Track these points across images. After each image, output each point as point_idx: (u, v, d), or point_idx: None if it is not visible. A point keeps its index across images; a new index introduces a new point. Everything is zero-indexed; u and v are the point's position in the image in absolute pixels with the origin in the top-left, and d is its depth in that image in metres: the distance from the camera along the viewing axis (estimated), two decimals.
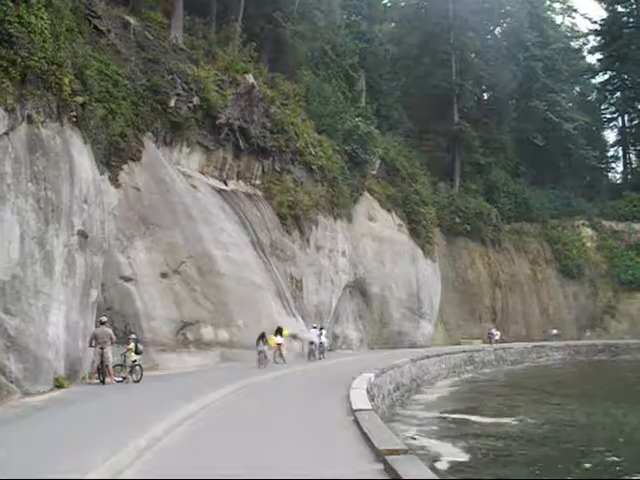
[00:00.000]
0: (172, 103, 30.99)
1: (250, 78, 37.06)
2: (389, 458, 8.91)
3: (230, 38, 41.80)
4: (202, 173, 33.79)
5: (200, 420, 13.38)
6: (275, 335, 31.04)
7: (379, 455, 9.38)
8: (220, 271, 30.33)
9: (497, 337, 55.76)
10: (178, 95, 31.51)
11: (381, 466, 8.91)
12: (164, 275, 27.78)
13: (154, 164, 29.21)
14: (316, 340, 34.51)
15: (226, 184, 35.34)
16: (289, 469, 8.96)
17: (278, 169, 39.07)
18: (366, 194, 49.18)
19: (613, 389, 38.96)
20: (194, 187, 31.87)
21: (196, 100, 32.69)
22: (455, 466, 17.18)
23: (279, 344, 31.35)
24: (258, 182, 37.61)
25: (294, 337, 34.54)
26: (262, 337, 28.84)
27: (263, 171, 38.11)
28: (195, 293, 28.80)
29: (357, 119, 49.70)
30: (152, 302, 26.60)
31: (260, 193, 37.27)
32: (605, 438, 22.13)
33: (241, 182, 36.56)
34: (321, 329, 35.96)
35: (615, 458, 18.80)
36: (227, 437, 11.57)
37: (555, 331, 66.60)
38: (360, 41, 61.76)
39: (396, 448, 9.64)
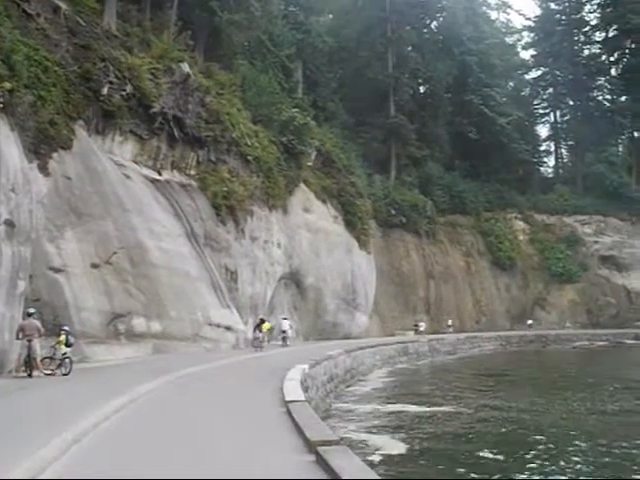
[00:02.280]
0: (105, 91, 30.34)
1: (185, 67, 36.54)
2: (321, 449, 8.78)
3: (165, 26, 41.15)
4: (135, 162, 33.19)
5: (128, 414, 13.09)
6: (259, 324, 35.63)
7: (311, 446, 9.26)
8: (153, 262, 29.91)
9: (422, 328, 56.48)
10: (111, 83, 30.86)
11: (313, 457, 8.80)
12: (95, 266, 27.22)
13: (86, 153, 28.58)
14: (287, 329, 39.80)
15: (160, 174, 34.79)
16: (217, 463, 8.80)
17: (213, 159, 38.65)
18: (302, 185, 49.05)
19: (543, 378, 39.68)
20: (127, 177, 31.31)
21: (129, 88, 32.07)
22: (388, 457, 17.18)
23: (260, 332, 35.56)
24: (193, 172, 37.15)
25: (228, 329, 34.32)
26: (259, 325, 35.23)
27: (198, 161, 37.65)
28: (127, 284, 28.32)
29: (293, 110, 49.49)
30: (82, 293, 26.05)
31: (195, 183, 36.82)
32: (538, 425, 22.43)
33: (175, 172, 36.07)
34: (288, 320, 41.12)
35: (545, 443, 19.05)
36: (154, 432, 11.33)
37: (530, 322, 69.91)
38: (297, 32, 61.56)
39: (328, 439, 9.53)
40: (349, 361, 34.90)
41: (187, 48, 40.71)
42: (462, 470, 16.41)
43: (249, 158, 41.30)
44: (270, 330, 38.79)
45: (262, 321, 36.38)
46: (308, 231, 48.14)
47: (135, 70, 32.78)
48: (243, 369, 24.25)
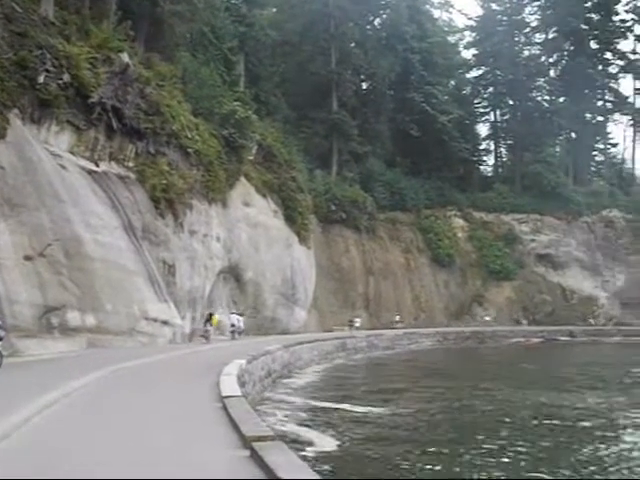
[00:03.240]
0: (41, 79, 29.65)
1: (125, 57, 36.00)
2: (256, 445, 8.75)
3: (104, 15, 40.41)
4: (72, 153, 32.53)
5: (61, 409, 12.81)
6: (208, 318, 38.38)
7: (246, 442, 9.19)
8: (89, 254, 29.39)
9: (357, 324, 56.76)
10: (47, 71, 30.15)
11: (247, 452, 8.73)
12: (28, 258, 26.58)
13: (20, 142, 27.90)
14: (237, 323, 41.37)
15: (97, 165, 34.17)
16: (150, 459, 8.63)
17: (152, 151, 38.10)
18: (242, 179, 48.75)
19: (477, 374, 40.09)
20: (63, 167, 30.70)
21: (67, 77, 31.38)
22: (322, 453, 17.14)
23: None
24: (131, 164, 36.58)
25: (165, 323, 33.97)
26: (208, 320, 37.95)
27: (137, 153, 37.07)
28: (61, 277, 27.74)
29: (235, 103, 49.16)
30: (14, 286, 25.41)
31: (133, 175, 36.27)
32: (473, 421, 22.64)
33: (113, 164, 35.48)
34: (240, 315, 42.71)
35: (480, 440, 19.20)
36: (87, 428, 11.08)
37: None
38: (240, 25, 61.17)
39: (263, 435, 9.51)
40: (287, 356, 34.86)
41: (127, 38, 39.98)
42: (396, 467, 16.43)
43: (189, 151, 40.85)
44: (218, 324, 40.37)
45: (211, 315, 38.70)
46: (248, 225, 47.90)
47: (73, 59, 32.08)
48: (180, 364, 23.98)
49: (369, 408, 24.71)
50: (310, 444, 18.02)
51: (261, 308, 48.51)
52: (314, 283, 56.41)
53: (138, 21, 43.72)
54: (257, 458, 8.26)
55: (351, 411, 24.05)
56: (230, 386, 15.56)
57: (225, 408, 12.46)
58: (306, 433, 19.53)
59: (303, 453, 16.43)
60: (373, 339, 54.40)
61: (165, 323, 34.12)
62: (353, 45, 75.87)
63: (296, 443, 17.64)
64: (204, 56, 53.73)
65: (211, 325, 38.16)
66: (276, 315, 50.01)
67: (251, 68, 63.43)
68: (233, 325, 41.59)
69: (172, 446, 9.45)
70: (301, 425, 20.87)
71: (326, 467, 15.84)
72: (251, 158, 51.23)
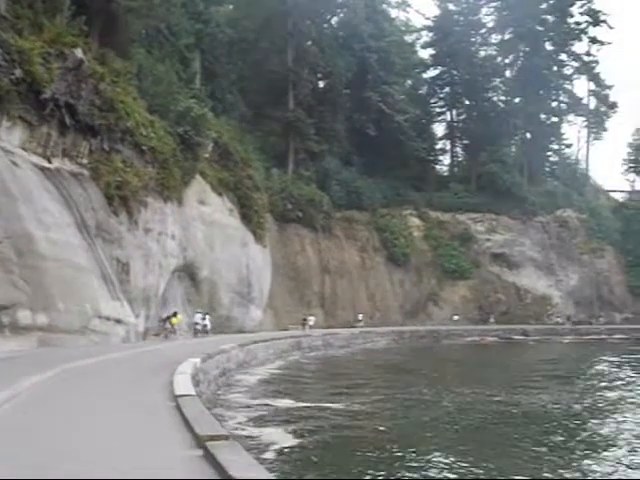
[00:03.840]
0: None
1: (79, 53, 35.49)
2: (209, 444, 8.68)
3: (58, 9, 39.72)
4: (24, 150, 32.03)
5: (9, 409, 12.56)
6: (172, 317, 40.62)
7: (199, 441, 9.11)
8: (41, 252, 28.94)
9: (311, 323, 56.84)
10: None
11: (200, 452, 8.64)
12: None
13: None
14: (201, 322, 43.65)
15: (50, 162, 33.68)
16: (100, 459, 8.47)
17: (107, 148, 37.66)
18: (198, 177, 48.43)
19: (432, 373, 40.35)
20: (15, 164, 30.20)
21: (19, 72, 30.85)
22: (276, 452, 17.09)
23: (172, 325, 40.64)
24: (85, 161, 36.12)
25: (118, 322, 33.62)
26: (168, 318, 40.12)
27: (90, 150, 36.61)
28: (12, 275, 27.26)
29: (191, 101, 48.85)
30: None
31: (87, 173, 35.82)
32: (429, 418, 22.72)
33: (67, 160, 35.00)
34: (205, 314, 44.49)
35: (430, 437, 19.26)
36: (37, 429, 10.86)
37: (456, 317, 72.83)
38: (196, 22, 60.69)
39: (217, 434, 9.45)
40: (242, 355, 34.74)
41: (81, 33, 39.36)
42: (351, 464, 16.43)
43: (144, 148, 40.45)
44: (179, 323, 41.77)
45: (175, 314, 40.99)
46: (203, 224, 47.61)
47: (25, 54, 31.56)
48: (133, 363, 23.72)
49: (325, 406, 24.70)
50: (266, 443, 17.95)
51: (216, 307, 48.25)
52: (270, 282, 56.35)
53: (92, 16, 43.08)
54: (210, 457, 8.20)
55: (307, 409, 24.01)
56: (184, 385, 15.45)
57: (178, 407, 12.35)
58: (262, 432, 19.45)
59: (258, 452, 16.35)
60: (329, 338, 54.46)
61: (118, 322, 33.77)
62: (310, 43, 75.72)
63: (251, 442, 17.58)
64: (160, 53, 53.24)
65: (172, 325, 39.97)
66: (231, 314, 49.82)
67: (207, 65, 62.97)
68: (197, 324, 43.69)
69: (123, 446, 9.30)
70: (256, 424, 20.77)
71: (281, 466, 15.80)
72: (207, 156, 50.89)
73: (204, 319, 44.42)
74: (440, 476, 15.55)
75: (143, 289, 38.45)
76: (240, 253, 51.39)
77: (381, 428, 21.01)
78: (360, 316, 67.92)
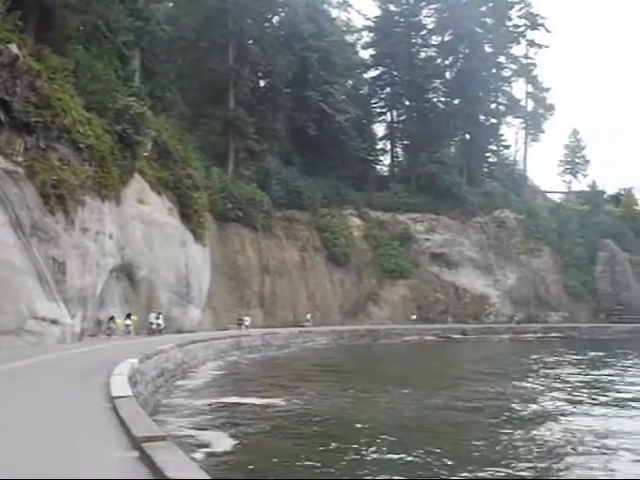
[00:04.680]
0: None
1: (14, 48, 34.79)
2: (145, 445, 8.62)
3: None
4: None
5: None
6: (125, 319, 42.76)
7: (136, 443, 9.04)
8: None
9: (247, 323, 56.78)
10: None
11: (137, 453, 8.57)
12: None
13: None
14: (155, 321, 45.66)
15: None
16: (34, 462, 8.32)
17: (43, 146, 36.93)
18: (137, 176, 47.82)
19: (371, 371, 40.69)
20: None
21: None
22: (215, 453, 17.03)
23: (127, 325, 42.75)
24: (20, 159, 35.35)
25: (54, 322, 33.07)
26: (112, 318, 41.20)
27: (26, 148, 35.84)
28: None
29: (130, 99, 48.17)
30: None
31: (22, 171, 35.06)
32: (367, 416, 22.80)
33: (1, 158, 34.22)
34: (159, 314, 46.42)
35: (365, 437, 19.33)
36: None
37: (414, 317, 74.86)
38: (136, 19, 59.94)
39: (154, 435, 9.40)
40: (181, 355, 34.44)
41: (16, 29, 38.52)
42: (290, 465, 16.40)
43: (81, 146, 39.74)
44: (121, 323, 42.68)
45: (129, 315, 43.25)
46: (142, 223, 47.04)
47: None
48: (69, 364, 23.37)
49: (264, 404, 24.66)
50: (204, 444, 17.87)
51: (155, 307, 47.75)
52: (209, 281, 56.00)
53: (28, 11, 42.25)
54: (146, 459, 8.17)
55: (246, 409, 23.94)
56: (120, 386, 15.35)
57: (115, 409, 12.25)
58: (201, 433, 19.35)
59: (196, 453, 16.26)
60: (268, 338, 54.40)
61: (54, 322, 33.21)
62: (251, 42, 75.48)
63: (189, 443, 17.46)
64: (98, 50, 52.42)
65: (114, 324, 41.30)
66: (170, 314, 49.34)
67: (147, 63, 62.22)
68: (152, 323, 45.71)
69: (55, 449, 9.18)
70: (195, 424, 20.65)
71: (219, 466, 15.73)
72: (146, 155, 50.31)
73: (158, 318, 46.24)
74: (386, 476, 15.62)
75: (80, 289, 37.82)
76: (179, 252, 50.97)
77: (316, 429, 21.05)
78: (308, 315, 68.23)
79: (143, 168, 49.17)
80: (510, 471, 16.04)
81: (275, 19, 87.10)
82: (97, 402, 13.64)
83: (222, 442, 18.28)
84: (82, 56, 48.20)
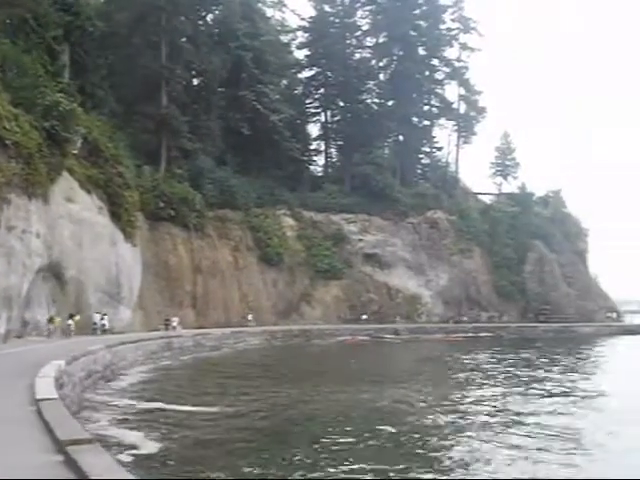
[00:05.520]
0: None
1: None
2: (70, 449, 8.39)
3: None
4: None
5: None
6: (68, 319, 42.39)
7: (61, 446, 8.75)
8: None
9: (175, 324, 56.20)
10: None
11: (61, 457, 8.29)
12: None
13: None
14: (98, 322, 46.38)
15: None
16: None
17: None
18: (65, 174, 46.83)
19: (306, 372, 40.64)
20: None
21: None
22: (143, 456, 16.83)
23: (69, 325, 42.28)
24: None
25: None
26: (51, 319, 41.08)
27: None
28: None
29: (59, 95, 47.19)
30: None
31: None
32: (300, 419, 22.70)
33: None
34: (104, 314, 47.35)
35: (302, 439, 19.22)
36: None
37: (364, 316, 75.91)
38: (65, 14, 58.80)
39: (79, 438, 9.16)
40: (109, 356, 33.90)
41: None
42: (216, 468, 16.22)
43: (7, 143, 38.75)
44: (60, 322, 42.22)
45: (71, 316, 42.80)
46: (71, 222, 46.07)
47: None
48: None
49: (194, 408, 24.38)
50: (132, 447, 17.65)
51: (84, 307, 46.85)
52: (140, 281, 55.29)
53: None
54: (71, 462, 7.94)
55: (176, 412, 23.66)
56: (46, 388, 15.09)
57: (39, 412, 11.93)
58: (128, 436, 19.08)
59: (123, 456, 15.96)
60: (200, 338, 53.98)
61: None
62: (184, 40, 74.77)
63: (116, 446, 17.19)
64: (25, 44, 51.27)
65: (53, 324, 41.08)
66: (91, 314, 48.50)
67: (77, 59, 61.02)
68: (95, 324, 46.26)
69: None
70: (124, 428, 20.34)
71: (146, 469, 15.47)
72: (75, 152, 49.33)
73: (103, 319, 47.01)
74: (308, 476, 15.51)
75: (5, 289, 36.86)
76: (109, 252, 50.15)
77: (248, 431, 20.88)
78: (250, 316, 68.10)
79: (72, 166, 48.20)
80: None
81: (209, 17, 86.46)
82: (20, 405, 13.29)
83: (148, 444, 18.17)
84: (9, 50, 47.08)
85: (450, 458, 17.73)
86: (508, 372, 40.60)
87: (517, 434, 20.74)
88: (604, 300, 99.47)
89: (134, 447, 17.51)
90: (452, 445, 19.36)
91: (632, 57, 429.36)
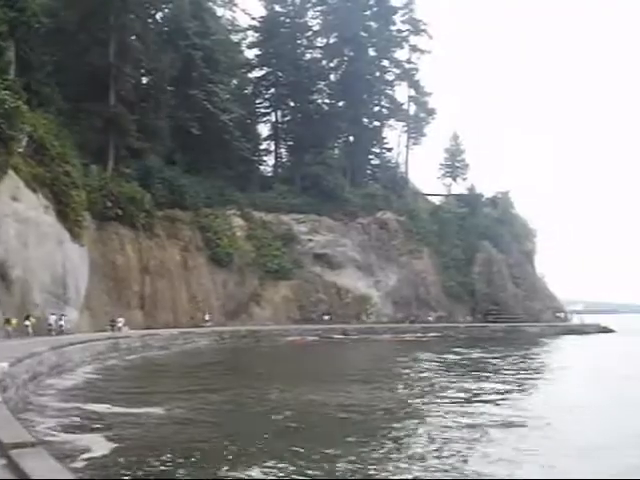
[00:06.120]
0: None
1: None
2: (13, 452, 8.20)
3: None
4: None
5: None
6: (25, 319, 42.64)
7: (3, 449, 8.58)
8: None
9: (120, 324, 55.66)
10: None
11: (4, 461, 8.12)
12: None
13: None
14: (54, 323, 46.30)
15: None
16: None
17: None
18: (11, 172, 46.07)
19: (255, 372, 40.59)
20: None
21: None
22: (89, 458, 16.60)
23: (26, 325, 42.58)
24: None
25: None
26: (7, 320, 40.47)
27: None
28: None
29: (4, 92, 46.44)
30: None
31: None
32: (250, 419, 22.58)
33: None
34: (62, 315, 47.73)
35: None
36: None
37: (326, 317, 76.68)
38: (10, 10, 57.81)
39: (22, 441, 8.98)
40: (55, 358, 33.37)
41: None
42: (165, 469, 16.08)
43: None
44: (18, 324, 42.05)
45: (27, 316, 43.06)
46: (16, 221, 45.30)
47: None
48: None
49: (142, 410, 24.13)
50: (77, 449, 17.42)
51: (30, 308, 46.08)
52: (87, 282, 54.61)
53: None
54: (13, 466, 7.81)
55: (122, 413, 23.37)
56: None
57: None
58: (73, 438, 18.82)
59: (67, 458, 15.69)
60: (148, 339, 53.52)
61: None
62: (134, 38, 73.99)
63: (61, 449, 16.93)
64: None
65: (10, 325, 40.67)
66: (46, 315, 47.82)
67: (22, 56, 60.02)
68: (50, 325, 46.04)
69: None
70: (68, 430, 20.07)
71: (90, 472, 15.28)
72: (21, 151, 48.62)
73: (60, 320, 47.05)
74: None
75: None
76: (55, 252, 49.46)
77: (198, 432, 20.74)
78: (207, 316, 68.18)
79: (17, 164, 47.48)
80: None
81: (159, 15, 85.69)
82: None
83: (96, 447, 17.91)
84: None
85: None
86: (457, 370, 41.01)
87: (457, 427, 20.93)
88: (551, 300, 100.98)
89: (78, 449, 17.27)
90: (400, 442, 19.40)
91: (582, 57, 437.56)
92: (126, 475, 15.55)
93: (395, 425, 22.20)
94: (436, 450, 18.38)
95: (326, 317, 78.26)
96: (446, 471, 16.24)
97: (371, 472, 16.10)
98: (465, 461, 17.15)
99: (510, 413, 24.28)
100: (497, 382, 34.81)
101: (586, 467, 16.81)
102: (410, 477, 15.81)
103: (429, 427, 21.77)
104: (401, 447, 18.87)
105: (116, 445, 18.15)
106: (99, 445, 18.10)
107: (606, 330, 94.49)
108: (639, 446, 19.14)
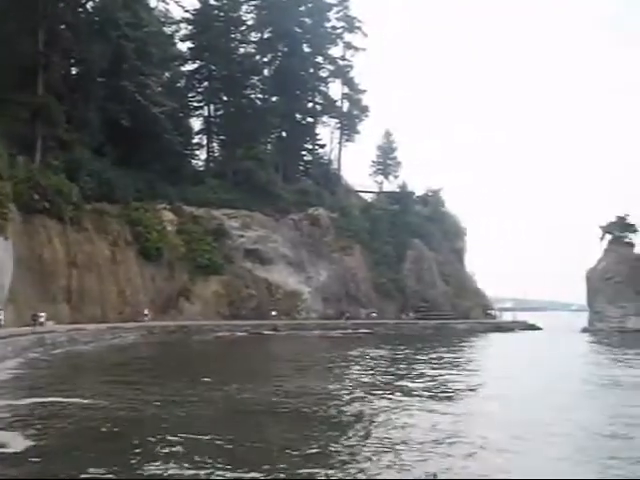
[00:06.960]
0: None
1: None
2: None
3: None
4: None
5: None
6: None
7: None
8: None
9: (42, 319, 54.48)
10: None
11: None
12: None
13: None
14: None
15: None
16: None
17: None
18: None
19: (184, 367, 40.34)
20: None
21: None
22: (11, 455, 16.18)
23: None
24: None
25: None
26: None
27: None
28: None
29: None
30: None
31: None
32: (176, 414, 22.36)
33: None
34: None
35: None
36: None
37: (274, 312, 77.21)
38: None
39: None
40: None
41: None
42: (88, 466, 15.74)
43: None
44: None
45: None
46: None
47: None
48: None
49: (67, 402, 23.77)
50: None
51: None
52: (11, 275, 53.32)
53: None
54: None
55: (47, 407, 22.97)
56: None
57: None
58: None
59: None
60: (74, 334, 52.69)
61: None
62: (63, 27, 72.50)
63: None
64: None
65: None
66: None
67: None
68: None
69: None
70: None
71: (10, 470, 14.94)
72: None
73: None
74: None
75: None
76: None
77: (125, 427, 20.45)
78: (146, 310, 68.01)
79: None
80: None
81: (90, 5, 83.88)
82: None
83: (16, 443, 17.55)
84: None
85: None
86: (383, 364, 41.37)
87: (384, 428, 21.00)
88: (480, 298, 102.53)
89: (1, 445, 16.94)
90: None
91: (524, 59, 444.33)
92: (43, 471, 15.25)
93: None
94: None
95: (274, 313, 78.46)
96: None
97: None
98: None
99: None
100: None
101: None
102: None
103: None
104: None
105: (36, 441, 17.80)
106: (17, 440, 17.76)
107: (533, 327, 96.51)
108: None
